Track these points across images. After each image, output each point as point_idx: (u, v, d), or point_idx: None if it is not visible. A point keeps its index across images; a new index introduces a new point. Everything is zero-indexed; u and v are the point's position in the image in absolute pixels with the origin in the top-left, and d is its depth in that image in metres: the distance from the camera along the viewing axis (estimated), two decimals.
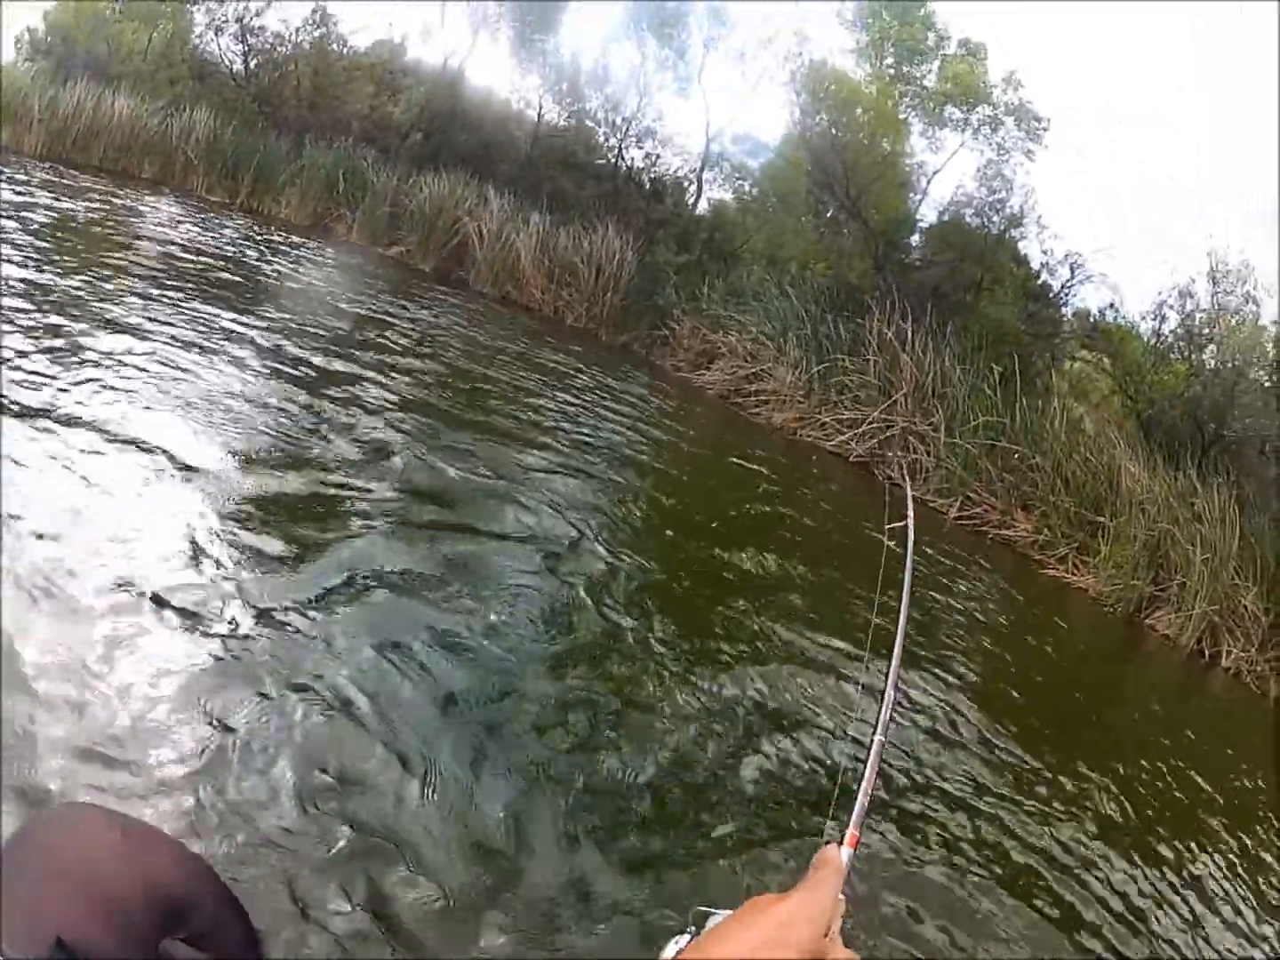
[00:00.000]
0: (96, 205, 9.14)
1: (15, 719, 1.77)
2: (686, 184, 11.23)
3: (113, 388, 3.87)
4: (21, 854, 0.79)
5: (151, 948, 0.78)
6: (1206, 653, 9.28)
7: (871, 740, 0.79)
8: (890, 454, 8.96)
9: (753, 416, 9.29)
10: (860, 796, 0.73)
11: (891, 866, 2.52)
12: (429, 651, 2.61)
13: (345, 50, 15.68)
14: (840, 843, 0.68)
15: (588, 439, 5.94)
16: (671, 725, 2.82)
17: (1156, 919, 2.94)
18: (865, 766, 0.75)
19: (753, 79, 11.13)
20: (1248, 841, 4.15)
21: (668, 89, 11.46)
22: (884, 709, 0.83)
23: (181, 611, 2.33)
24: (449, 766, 2.16)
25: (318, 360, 5.45)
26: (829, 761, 2.95)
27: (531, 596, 3.21)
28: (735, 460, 7.73)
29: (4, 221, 6.53)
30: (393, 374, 5.69)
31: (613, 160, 11.43)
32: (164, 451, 3.30)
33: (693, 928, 0.65)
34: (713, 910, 0.65)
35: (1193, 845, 3.89)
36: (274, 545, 2.87)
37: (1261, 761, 6.29)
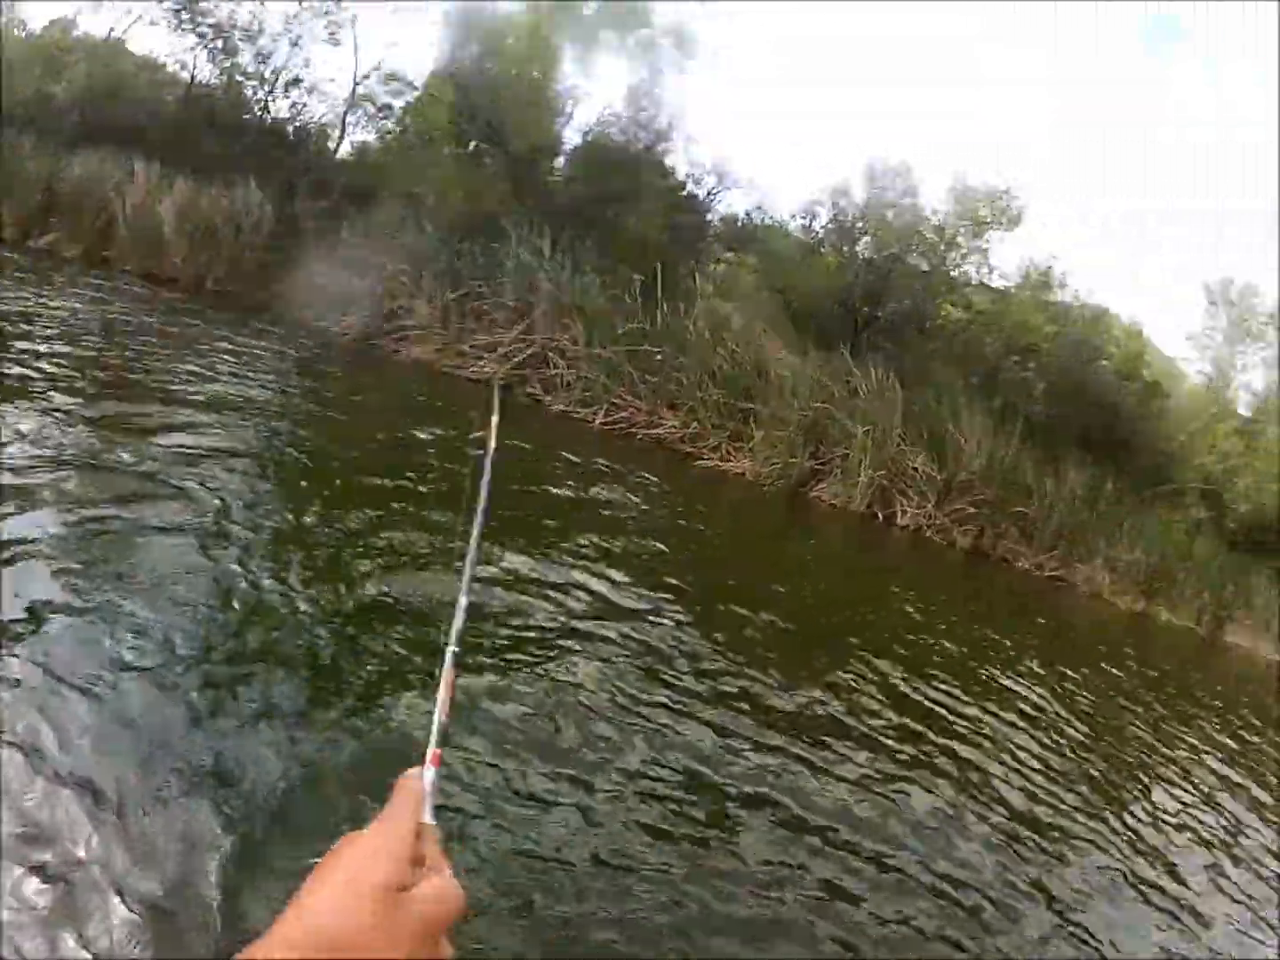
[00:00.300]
0: None
1: None
2: (331, 130, 11.10)
3: None
4: None
5: None
6: (880, 514, 10.09)
7: (444, 651, 0.74)
8: (529, 373, 9.21)
9: (393, 355, 9.34)
10: (436, 712, 0.68)
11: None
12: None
13: (22, 34, 14.57)
14: (423, 763, 0.64)
15: (223, 399, 5.80)
16: None
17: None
18: (441, 680, 0.70)
19: (404, 20, 10.96)
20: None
21: (321, 37, 11.20)
22: (457, 616, 0.78)
23: None
24: None
25: None
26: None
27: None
28: (358, 399, 7.74)
29: None
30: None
31: (258, 114, 11.11)
32: None
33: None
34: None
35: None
36: None
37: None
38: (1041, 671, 5.54)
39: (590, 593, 4.20)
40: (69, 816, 2.00)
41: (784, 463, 9.92)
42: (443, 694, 0.68)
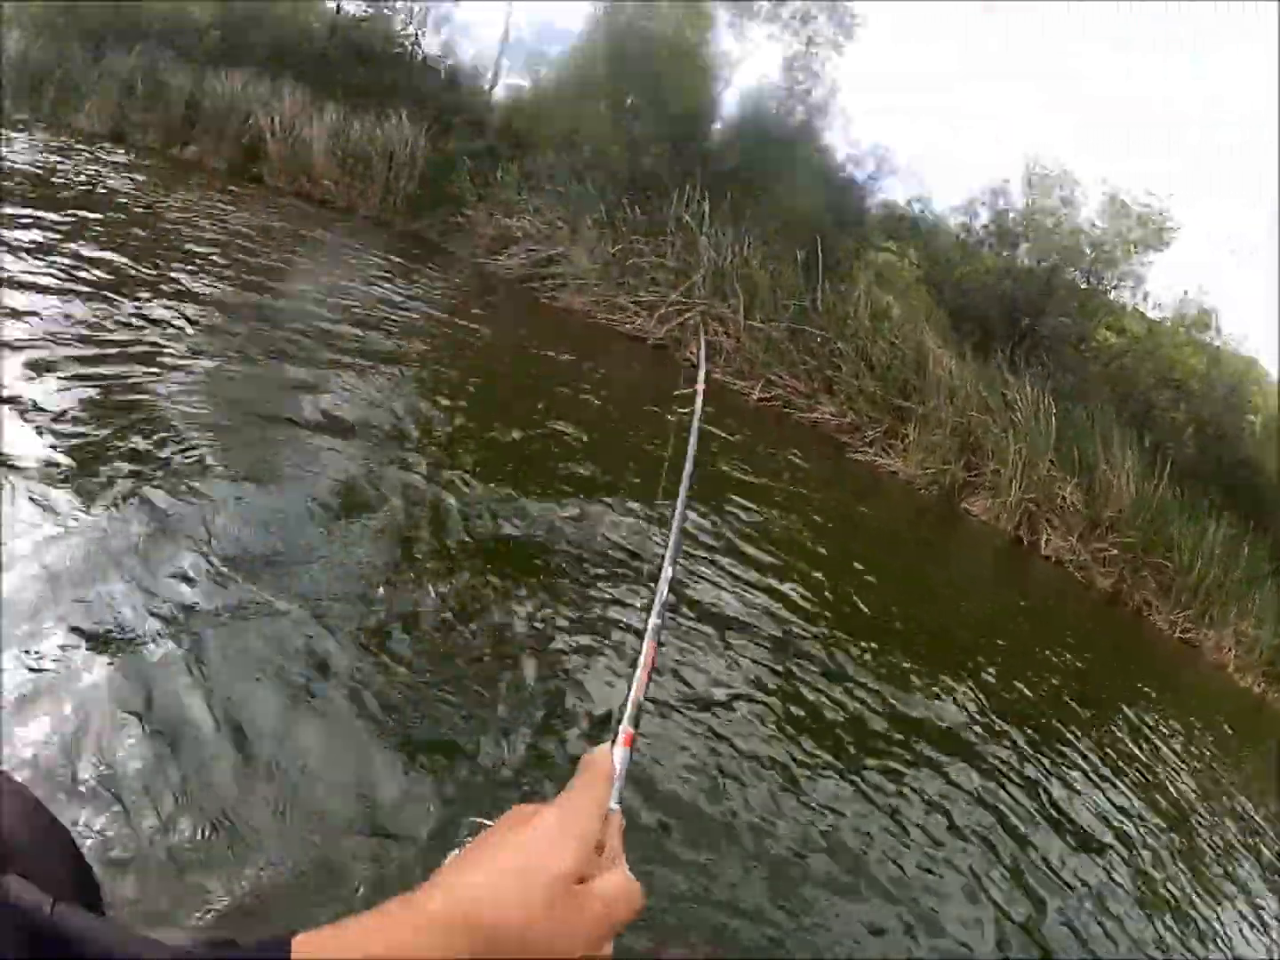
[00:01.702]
0: None
1: None
2: (483, 71, 10.74)
3: None
4: None
5: None
6: (1025, 539, 9.39)
7: (646, 624, 0.69)
8: (689, 336, 8.66)
9: (551, 301, 8.85)
10: (633, 689, 0.62)
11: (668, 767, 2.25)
12: None
13: None
14: (613, 742, 0.57)
15: (385, 321, 5.45)
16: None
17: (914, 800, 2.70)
18: (641, 655, 0.65)
19: None
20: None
21: None
22: (660, 588, 0.72)
23: None
24: None
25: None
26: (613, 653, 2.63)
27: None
28: (531, 343, 7.30)
29: None
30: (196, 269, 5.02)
31: (410, 48, 10.79)
32: None
33: (469, 840, 0.53)
34: (486, 821, 0.54)
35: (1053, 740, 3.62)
36: None
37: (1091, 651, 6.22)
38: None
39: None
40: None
41: (938, 469, 9.29)
42: (641, 670, 0.65)
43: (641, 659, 0.66)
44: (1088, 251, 11.92)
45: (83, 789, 1.58)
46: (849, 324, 9.23)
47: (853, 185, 10.09)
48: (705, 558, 3.86)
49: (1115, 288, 12.08)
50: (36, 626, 1.88)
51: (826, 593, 4.20)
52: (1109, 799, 3.38)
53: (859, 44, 10.36)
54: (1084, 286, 11.74)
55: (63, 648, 1.86)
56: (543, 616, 2.77)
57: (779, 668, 3.14)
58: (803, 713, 2.92)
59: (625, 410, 6.13)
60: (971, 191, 10.75)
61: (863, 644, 3.75)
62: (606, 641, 2.76)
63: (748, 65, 10.32)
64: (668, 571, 0.76)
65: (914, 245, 10.22)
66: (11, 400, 2.76)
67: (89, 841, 1.52)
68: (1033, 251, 11.36)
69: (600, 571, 3.25)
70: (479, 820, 0.57)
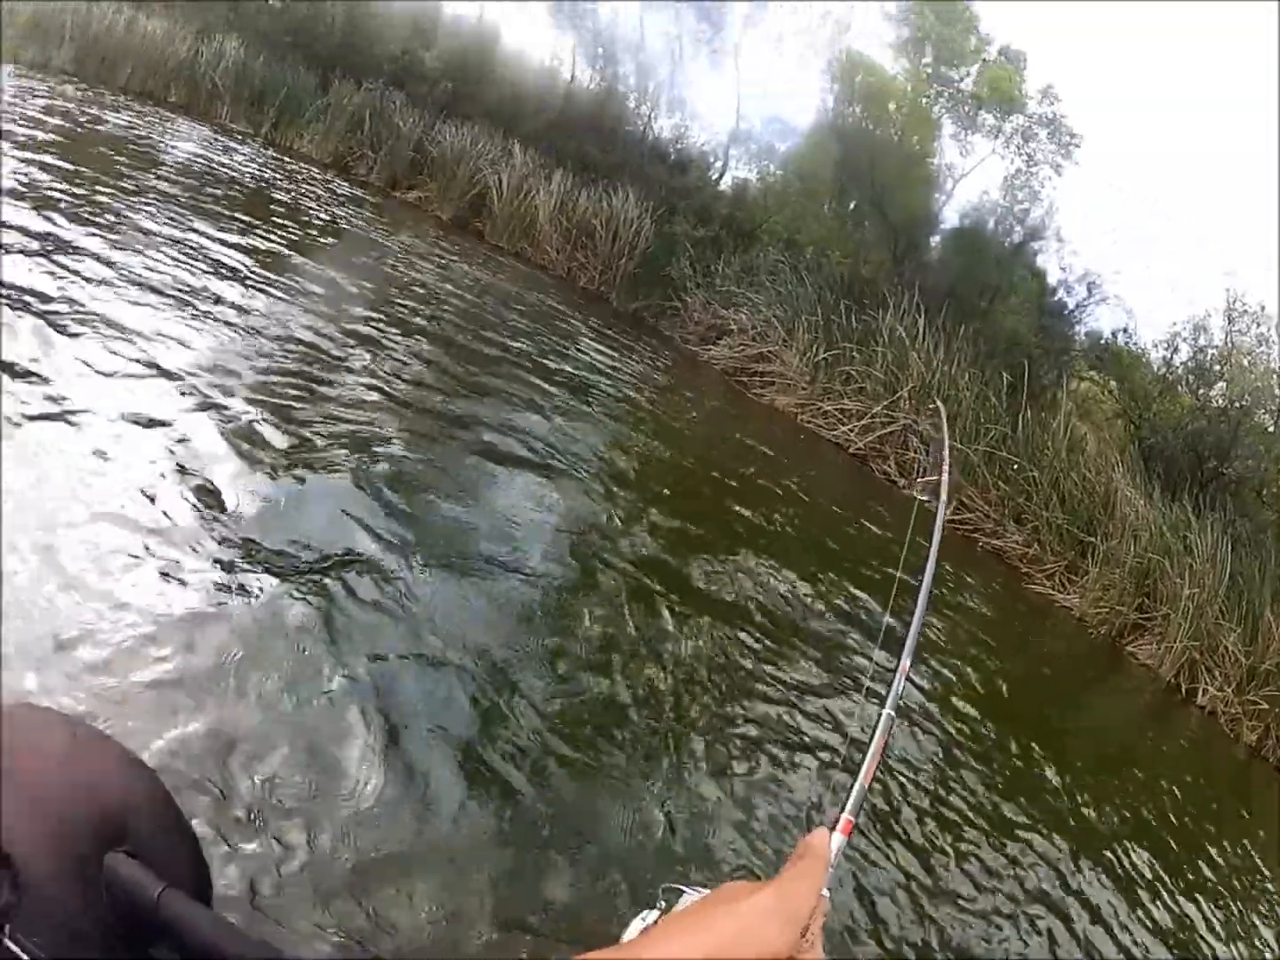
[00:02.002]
0: (122, 122, 8.89)
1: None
2: (712, 159, 11.07)
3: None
4: None
5: (93, 860, 0.72)
6: (1184, 688, 9.22)
7: (878, 717, 0.71)
8: (888, 449, 8.83)
9: (756, 397, 9.15)
10: (860, 778, 0.66)
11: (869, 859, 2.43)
12: None
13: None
14: (831, 827, 0.61)
15: (604, 393, 5.86)
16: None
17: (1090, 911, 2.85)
18: (870, 744, 0.68)
19: (788, 62, 10.98)
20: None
21: (701, 62, 11.33)
22: (896, 679, 0.76)
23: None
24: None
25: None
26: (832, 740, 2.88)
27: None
28: (737, 435, 7.62)
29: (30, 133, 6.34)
30: (417, 323, 5.55)
31: (641, 128, 11.27)
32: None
33: (662, 903, 0.61)
34: (682, 888, 0.61)
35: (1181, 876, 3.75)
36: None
37: (1221, 805, 6.19)
38: None
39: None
40: None
41: (1112, 608, 9.21)
42: (870, 759, 0.65)
43: (871, 749, 0.67)
44: (1278, 392, 11.59)
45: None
46: (1046, 453, 9.25)
47: (1063, 311, 10.10)
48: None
49: None
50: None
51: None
52: None
53: (1080, 168, 10.37)
54: (1270, 430, 11.42)
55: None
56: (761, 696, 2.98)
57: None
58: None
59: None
60: (1175, 325, 10.60)
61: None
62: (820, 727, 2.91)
63: (970, 181, 10.44)
64: (905, 663, 0.78)
65: (1115, 377, 10.16)
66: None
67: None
68: (1228, 393, 11.12)
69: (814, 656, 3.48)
70: (676, 886, 0.62)
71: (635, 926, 0.63)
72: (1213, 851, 4.81)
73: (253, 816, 1.72)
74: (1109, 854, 3.72)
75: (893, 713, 0.71)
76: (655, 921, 0.62)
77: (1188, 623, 9.25)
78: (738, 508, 5.17)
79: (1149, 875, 3.80)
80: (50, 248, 4.15)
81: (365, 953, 1.56)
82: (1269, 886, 4.46)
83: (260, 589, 2.39)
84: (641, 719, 2.64)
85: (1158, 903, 3.59)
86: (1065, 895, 3.26)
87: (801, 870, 0.52)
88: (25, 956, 0.55)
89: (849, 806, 0.63)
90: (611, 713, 2.60)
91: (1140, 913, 3.35)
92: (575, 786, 2.22)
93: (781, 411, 9.03)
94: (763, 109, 10.90)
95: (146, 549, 2.32)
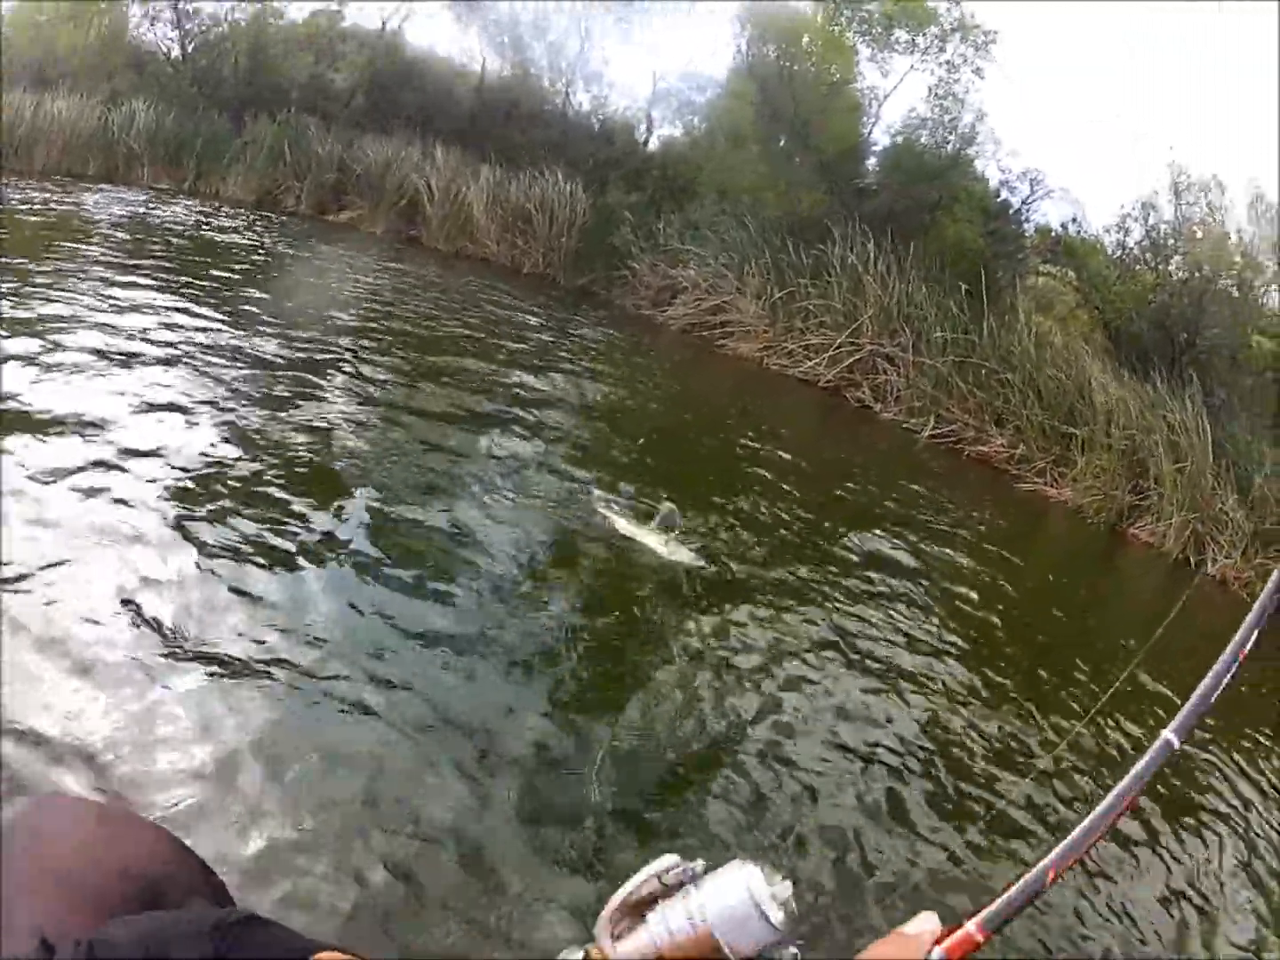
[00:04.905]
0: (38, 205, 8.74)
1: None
2: (636, 123, 11.02)
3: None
4: None
5: None
6: (1192, 560, 9.27)
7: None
8: (859, 377, 8.81)
9: (718, 349, 9.11)
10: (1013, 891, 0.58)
11: None
12: None
13: (281, 22, 15.31)
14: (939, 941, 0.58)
15: (567, 372, 5.83)
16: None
17: None
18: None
19: (699, 16, 10.88)
20: None
21: (611, 32, 11.24)
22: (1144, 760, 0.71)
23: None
24: None
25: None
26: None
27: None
28: (708, 388, 7.61)
29: None
30: (373, 335, 5.51)
31: (560, 106, 11.19)
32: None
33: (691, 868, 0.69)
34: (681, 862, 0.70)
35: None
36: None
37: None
38: None
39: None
40: None
41: (1105, 494, 9.23)
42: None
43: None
44: (1238, 259, 11.58)
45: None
46: (1015, 354, 9.24)
47: (1009, 211, 10.07)
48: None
49: (1266, 292, 11.75)
50: None
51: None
52: None
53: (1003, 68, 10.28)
54: (1235, 295, 11.42)
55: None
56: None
57: None
58: None
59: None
60: (1124, 207, 10.56)
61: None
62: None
63: (895, 100, 10.36)
64: (1171, 739, 0.70)
65: (1071, 268, 10.13)
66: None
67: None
68: (1185, 264, 11.10)
69: None
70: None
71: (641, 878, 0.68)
72: None
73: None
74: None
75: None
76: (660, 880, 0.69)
77: (1182, 496, 9.31)
78: (726, 453, 5.16)
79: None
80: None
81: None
82: None
83: None
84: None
85: None
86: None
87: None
88: None
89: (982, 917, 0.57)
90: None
91: None
92: None
93: (746, 358, 9.00)
94: (680, 66, 10.85)
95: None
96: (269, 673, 2.19)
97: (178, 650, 2.20)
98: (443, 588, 2.82)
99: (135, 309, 4.96)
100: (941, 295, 9.21)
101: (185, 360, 4.24)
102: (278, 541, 2.81)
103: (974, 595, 4.73)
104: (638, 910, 0.70)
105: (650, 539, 3.45)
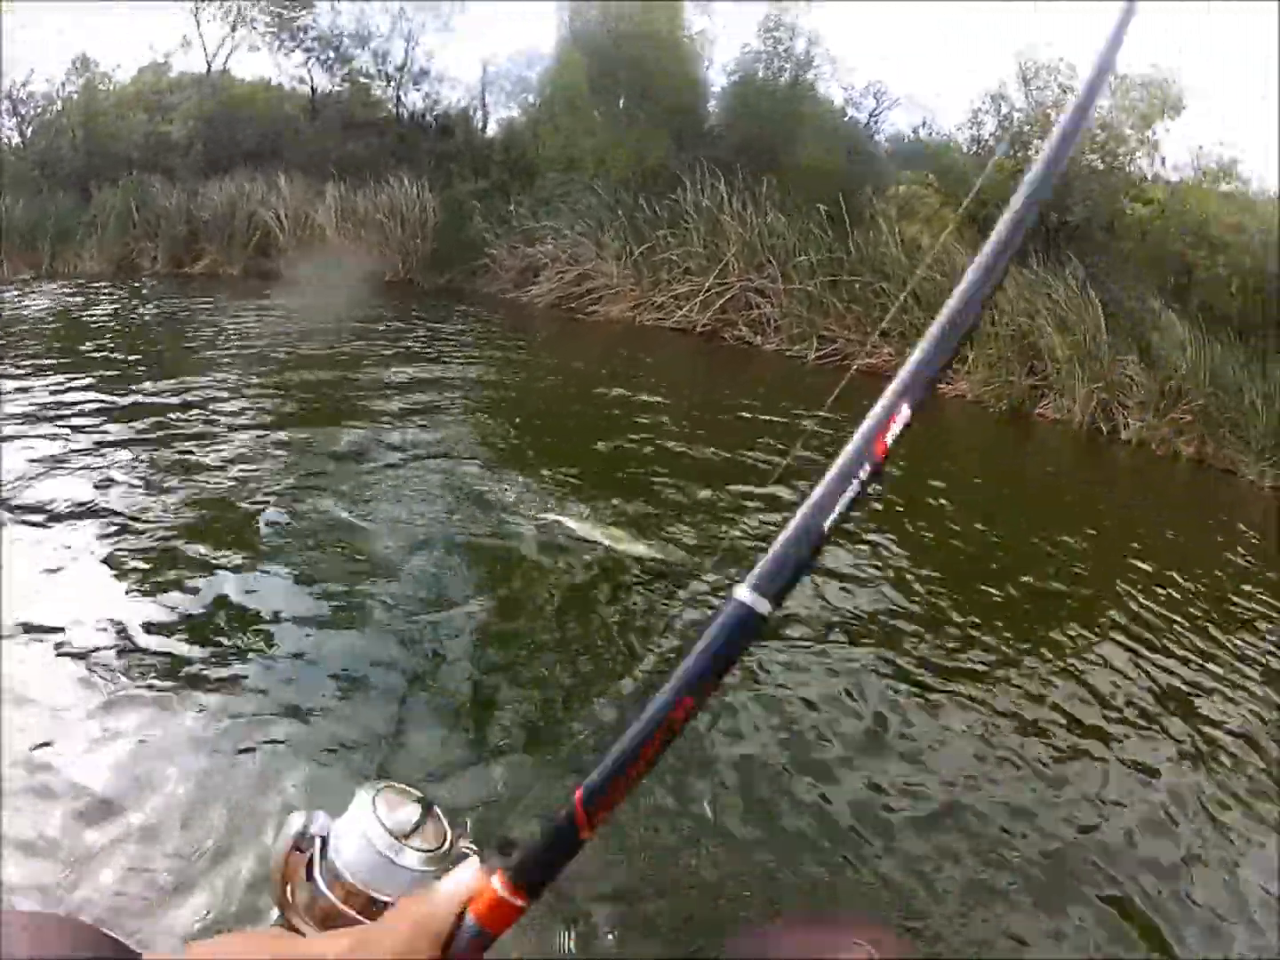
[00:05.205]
0: None
1: None
2: (472, 112, 10.82)
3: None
4: None
5: None
6: (1104, 430, 9.33)
7: None
8: (733, 315, 8.69)
9: (589, 316, 8.94)
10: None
11: None
12: None
13: (112, 87, 14.89)
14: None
15: (435, 379, 5.63)
16: None
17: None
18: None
19: None
20: None
21: (432, 28, 11.01)
22: None
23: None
24: None
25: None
26: None
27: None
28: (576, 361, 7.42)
29: None
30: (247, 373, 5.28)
31: (394, 110, 10.97)
32: None
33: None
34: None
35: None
36: None
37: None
38: None
39: None
40: None
41: (1002, 381, 9.28)
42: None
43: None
44: (1099, 133, 11.68)
45: None
46: (886, 264, 9.20)
47: (857, 127, 10.04)
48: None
49: (1131, 162, 11.86)
50: None
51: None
52: None
53: None
54: (1101, 168, 11.52)
55: None
56: None
57: None
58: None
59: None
60: (974, 103, 10.58)
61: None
62: None
63: (727, 40, 10.27)
64: None
65: (930, 170, 10.11)
66: None
67: None
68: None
69: None
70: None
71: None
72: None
73: None
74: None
75: None
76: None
77: (1081, 369, 9.38)
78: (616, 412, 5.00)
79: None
80: None
81: None
82: None
83: None
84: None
85: None
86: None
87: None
88: None
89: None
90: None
91: None
92: None
93: (618, 320, 8.86)
94: (507, 47, 10.68)
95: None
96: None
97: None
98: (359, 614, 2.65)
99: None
100: (802, 221, 9.14)
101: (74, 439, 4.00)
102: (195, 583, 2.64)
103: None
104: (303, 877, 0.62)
105: (600, 533, 3.24)
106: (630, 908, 1.65)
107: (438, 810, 0.62)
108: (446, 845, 0.61)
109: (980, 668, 2.83)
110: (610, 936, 1.59)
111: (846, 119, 10.26)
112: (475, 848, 0.59)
